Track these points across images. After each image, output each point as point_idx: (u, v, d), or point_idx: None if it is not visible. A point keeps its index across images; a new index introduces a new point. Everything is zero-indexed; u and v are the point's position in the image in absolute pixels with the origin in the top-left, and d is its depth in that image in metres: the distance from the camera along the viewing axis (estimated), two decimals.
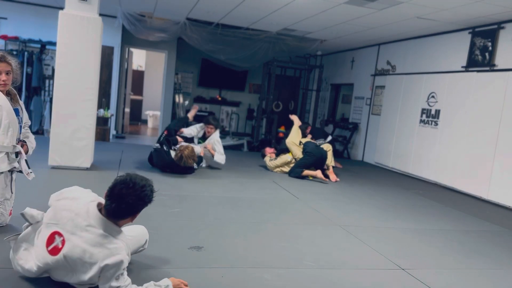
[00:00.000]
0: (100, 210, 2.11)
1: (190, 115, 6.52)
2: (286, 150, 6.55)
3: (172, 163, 5.45)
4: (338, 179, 6.28)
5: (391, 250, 3.37)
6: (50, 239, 2.09)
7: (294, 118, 6.90)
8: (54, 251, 2.07)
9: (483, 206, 5.51)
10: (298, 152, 6.38)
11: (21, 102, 3.08)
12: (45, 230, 2.14)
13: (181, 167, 5.46)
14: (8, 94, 2.90)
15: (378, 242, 3.52)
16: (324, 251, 3.19)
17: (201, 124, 6.44)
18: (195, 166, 5.71)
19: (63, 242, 2.06)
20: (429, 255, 3.34)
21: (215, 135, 6.29)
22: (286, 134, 6.85)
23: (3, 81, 2.78)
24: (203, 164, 6.24)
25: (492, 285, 2.90)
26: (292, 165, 6.41)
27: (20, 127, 3.01)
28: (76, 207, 2.11)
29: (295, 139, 6.47)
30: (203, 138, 6.36)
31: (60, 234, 2.08)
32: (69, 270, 2.08)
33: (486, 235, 4.08)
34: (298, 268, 2.81)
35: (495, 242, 3.88)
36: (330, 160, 6.56)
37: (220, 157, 6.11)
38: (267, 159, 6.71)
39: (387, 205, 4.98)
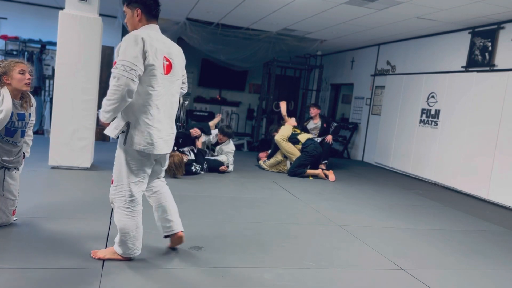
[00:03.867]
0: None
1: (212, 123, 6.52)
2: (276, 150, 6.52)
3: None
4: (334, 178, 6.29)
5: (391, 250, 3.37)
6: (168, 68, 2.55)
7: (282, 105, 6.77)
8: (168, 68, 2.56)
9: (483, 206, 5.51)
10: (289, 148, 6.30)
11: (33, 106, 3.06)
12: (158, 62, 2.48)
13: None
14: (22, 97, 2.92)
15: (378, 242, 3.52)
16: (324, 251, 3.19)
17: (217, 132, 6.44)
18: (198, 169, 5.69)
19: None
20: (429, 255, 3.34)
21: (227, 147, 6.25)
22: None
23: (28, 79, 2.84)
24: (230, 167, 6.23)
25: (492, 285, 2.90)
26: (287, 162, 6.45)
27: (22, 131, 2.98)
28: None
29: (284, 134, 6.33)
30: (216, 144, 6.35)
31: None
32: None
33: (486, 235, 4.08)
34: (298, 268, 2.81)
35: (495, 242, 3.88)
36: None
37: (231, 167, 6.23)
38: (261, 163, 6.72)
39: (387, 205, 4.98)
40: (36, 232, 2.96)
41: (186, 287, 2.38)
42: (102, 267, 2.50)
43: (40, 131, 8.17)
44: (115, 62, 2.40)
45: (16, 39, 7.96)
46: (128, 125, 2.46)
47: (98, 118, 2.62)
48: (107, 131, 2.52)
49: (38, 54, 8.04)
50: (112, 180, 2.57)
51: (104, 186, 4.10)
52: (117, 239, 2.60)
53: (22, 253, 2.59)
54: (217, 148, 6.29)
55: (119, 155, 2.54)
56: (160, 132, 2.51)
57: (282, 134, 6.34)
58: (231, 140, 6.35)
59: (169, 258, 2.76)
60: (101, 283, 2.30)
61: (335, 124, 7.35)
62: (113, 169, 2.59)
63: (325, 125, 7.16)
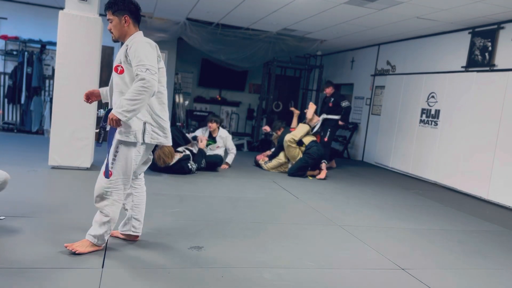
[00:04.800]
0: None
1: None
2: (279, 150, 6.51)
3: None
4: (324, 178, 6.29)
5: (391, 250, 3.37)
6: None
7: (311, 108, 6.73)
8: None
9: (483, 206, 5.51)
10: (294, 152, 6.27)
11: None
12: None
13: (175, 168, 5.46)
14: None
15: (378, 242, 3.52)
16: (324, 251, 3.19)
17: (204, 128, 6.56)
18: (193, 168, 5.70)
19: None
20: (429, 255, 3.34)
21: (222, 132, 6.40)
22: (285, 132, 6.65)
23: None
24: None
25: (492, 285, 2.89)
26: (288, 165, 6.46)
27: None
28: None
29: (296, 135, 6.29)
30: (211, 137, 6.40)
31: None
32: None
33: (486, 235, 4.08)
34: (298, 268, 2.81)
35: (495, 242, 3.88)
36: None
37: (233, 156, 6.46)
38: (262, 163, 6.69)
39: (387, 205, 4.98)
40: (36, 232, 2.96)
41: (186, 287, 2.38)
42: (102, 267, 2.50)
43: (40, 131, 8.17)
44: (118, 66, 2.62)
45: (16, 39, 7.96)
46: (145, 125, 2.65)
47: (100, 118, 2.71)
48: (123, 138, 2.60)
49: (38, 54, 8.04)
50: (110, 174, 2.60)
51: None
52: (99, 231, 2.67)
53: (22, 253, 2.59)
54: (217, 138, 6.38)
55: (123, 152, 2.63)
56: (168, 124, 2.79)
57: (295, 135, 6.28)
58: (221, 128, 6.48)
59: (169, 258, 2.76)
60: (101, 283, 2.30)
61: (346, 104, 7.20)
62: (111, 163, 2.61)
63: (330, 104, 7.24)
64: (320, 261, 2.98)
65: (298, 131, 6.40)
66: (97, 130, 2.77)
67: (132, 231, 2.93)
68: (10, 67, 8.02)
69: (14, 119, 8.22)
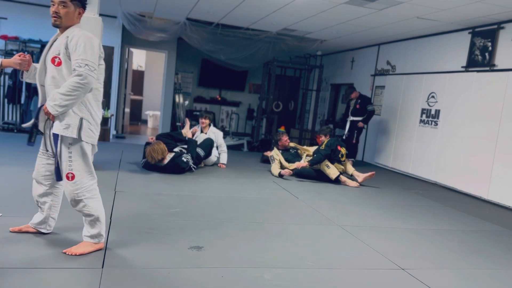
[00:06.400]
0: None
1: (186, 130, 6.31)
2: (319, 159, 6.04)
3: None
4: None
5: (391, 250, 3.37)
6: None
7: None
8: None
9: (483, 206, 5.51)
10: (329, 172, 6.05)
11: None
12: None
13: (170, 166, 5.45)
14: None
15: (378, 242, 3.52)
16: (324, 251, 3.19)
17: (197, 125, 6.75)
18: (189, 160, 5.67)
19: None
20: (429, 255, 3.34)
21: (213, 129, 6.57)
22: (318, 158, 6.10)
23: None
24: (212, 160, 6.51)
25: (492, 285, 2.89)
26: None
27: None
28: None
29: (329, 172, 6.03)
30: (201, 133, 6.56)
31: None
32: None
33: (486, 235, 4.08)
34: (298, 268, 2.81)
35: (495, 242, 3.88)
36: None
37: (226, 156, 6.55)
38: (274, 172, 6.31)
39: (387, 205, 4.98)
40: (35, 232, 2.95)
41: (186, 287, 2.38)
42: (102, 267, 2.50)
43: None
44: (55, 57, 2.52)
45: (16, 39, 7.96)
46: (81, 120, 2.56)
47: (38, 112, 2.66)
48: (60, 131, 2.53)
49: (38, 54, 8.03)
50: (72, 177, 2.56)
51: (105, 186, 4.11)
52: (94, 231, 2.67)
53: (22, 253, 2.59)
54: (209, 133, 6.55)
55: (76, 150, 2.57)
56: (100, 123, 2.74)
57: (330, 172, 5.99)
58: (211, 125, 6.63)
59: (169, 258, 2.76)
60: (101, 283, 2.30)
61: (371, 108, 7.71)
62: (68, 166, 2.57)
63: (357, 106, 7.71)
64: (320, 261, 2.98)
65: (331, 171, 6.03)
66: (27, 125, 2.67)
67: (47, 229, 2.90)
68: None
69: (14, 119, 8.22)
